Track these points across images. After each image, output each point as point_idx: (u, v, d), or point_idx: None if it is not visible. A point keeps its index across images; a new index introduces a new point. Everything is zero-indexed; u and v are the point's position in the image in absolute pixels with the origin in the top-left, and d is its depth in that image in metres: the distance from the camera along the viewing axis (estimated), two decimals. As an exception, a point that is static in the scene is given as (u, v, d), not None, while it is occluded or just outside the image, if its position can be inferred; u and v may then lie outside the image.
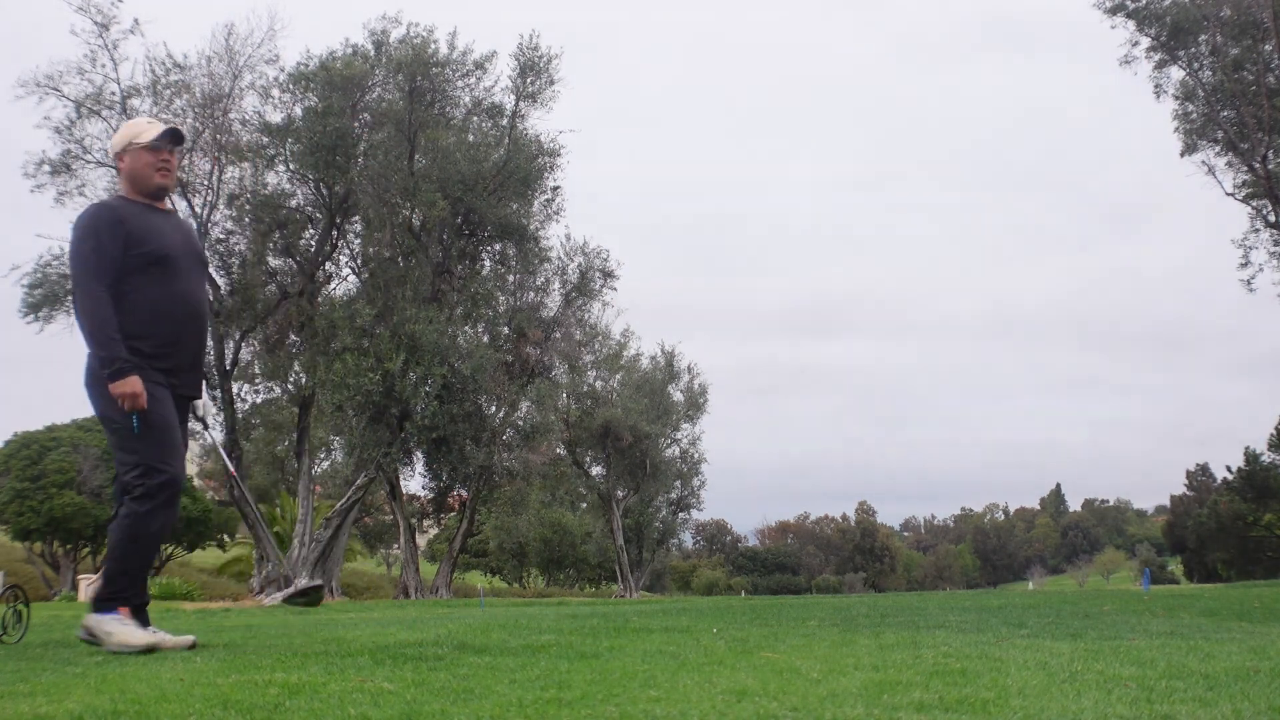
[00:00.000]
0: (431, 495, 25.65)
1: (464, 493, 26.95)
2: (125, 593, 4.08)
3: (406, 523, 26.51)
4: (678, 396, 40.05)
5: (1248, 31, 20.06)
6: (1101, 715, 2.31)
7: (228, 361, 21.30)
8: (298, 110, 20.81)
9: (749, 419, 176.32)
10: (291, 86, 20.65)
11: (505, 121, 21.92)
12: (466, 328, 22.54)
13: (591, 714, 2.36)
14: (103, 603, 4.06)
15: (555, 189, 22.85)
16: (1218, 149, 21.29)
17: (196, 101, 20.02)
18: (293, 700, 2.52)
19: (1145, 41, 21.14)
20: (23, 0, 66.69)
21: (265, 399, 25.08)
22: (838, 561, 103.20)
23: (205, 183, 20.59)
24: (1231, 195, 21.36)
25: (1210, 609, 6.91)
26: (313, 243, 22.08)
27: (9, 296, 41.99)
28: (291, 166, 21.26)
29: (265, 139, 20.90)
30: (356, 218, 22.04)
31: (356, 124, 20.89)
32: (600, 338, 33.96)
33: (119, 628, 3.99)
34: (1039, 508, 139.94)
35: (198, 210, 20.65)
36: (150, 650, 3.91)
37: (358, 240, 22.93)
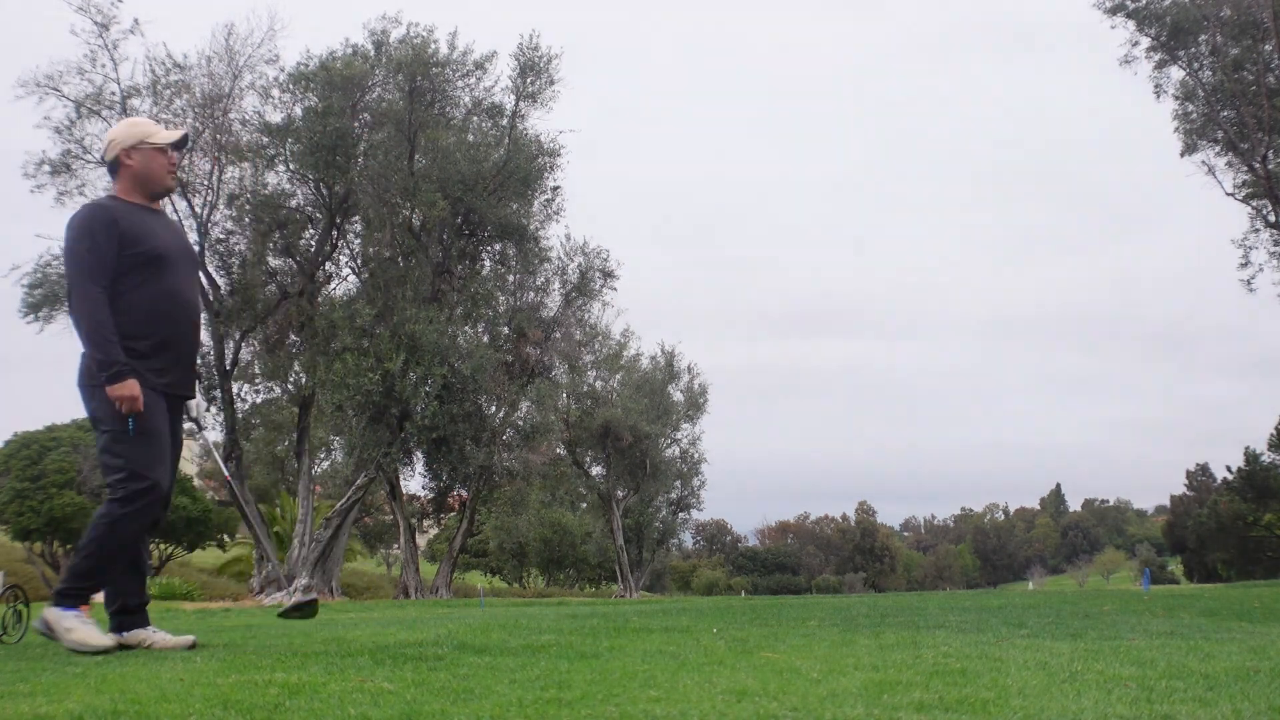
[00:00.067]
0: (431, 495, 25.63)
1: (464, 493, 26.94)
2: (89, 591, 4.05)
3: (406, 523, 26.49)
4: (678, 396, 40.04)
5: (1248, 31, 20.06)
6: (1101, 715, 2.32)
7: (228, 361, 21.29)
8: (298, 110, 20.82)
9: (749, 419, 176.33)
10: (291, 86, 20.66)
11: (505, 121, 21.92)
12: (466, 328, 22.54)
13: (591, 714, 2.36)
14: (64, 598, 4.01)
15: (555, 189, 22.88)
16: (1218, 149, 21.30)
17: (196, 101, 20.02)
18: (293, 700, 2.52)
19: (1145, 41, 21.16)
20: (23, 0, 66.67)
21: (265, 399, 25.09)
22: (838, 561, 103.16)
23: (205, 183, 20.60)
24: (1231, 195, 21.39)
25: (1210, 609, 6.91)
26: (313, 243, 22.08)
27: (9, 296, 41.95)
28: (291, 166, 21.27)
29: (265, 139, 20.90)
30: (356, 218, 22.04)
31: (356, 124, 20.89)
32: (600, 338, 33.96)
33: (78, 625, 3.95)
34: (1039, 508, 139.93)
35: (198, 210, 20.66)
36: (107, 652, 3.87)
37: (358, 240, 22.93)
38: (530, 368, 24.34)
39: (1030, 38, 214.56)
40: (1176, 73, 21.39)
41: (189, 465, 39.21)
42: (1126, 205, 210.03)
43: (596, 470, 38.67)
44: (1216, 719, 2.29)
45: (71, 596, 4.02)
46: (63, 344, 23.71)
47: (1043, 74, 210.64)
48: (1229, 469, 54.77)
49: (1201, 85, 21.08)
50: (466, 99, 21.88)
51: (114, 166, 4.31)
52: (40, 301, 19.73)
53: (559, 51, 21.75)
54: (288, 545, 24.66)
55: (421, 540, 47.62)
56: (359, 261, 23.10)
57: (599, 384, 37.67)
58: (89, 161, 19.32)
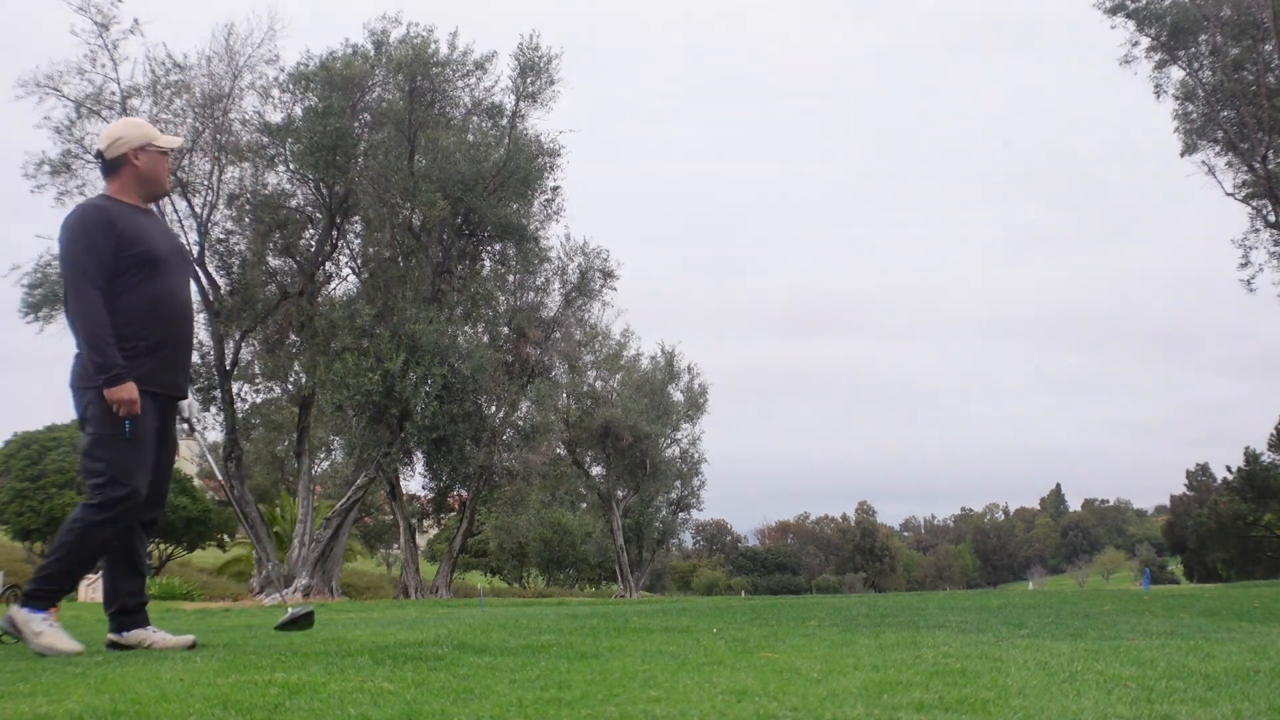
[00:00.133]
0: (431, 495, 25.62)
1: (464, 493, 26.93)
2: (58, 594, 4.02)
3: (406, 523, 26.48)
4: (678, 396, 40.05)
5: (1248, 31, 20.06)
6: (1101, 715, 2.32)
7: (228, 361, 21.29)
8: (298, 110, 20.84)
9: (749, 419, 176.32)
10: (291, 86, 20.67)
11: (505, 121, 21.94)
12: (466, 328, 22.55)
13: (591, 714, 2.36)
14: (33, 599, 3.97)
15: (555, 189, 22.91)
16: (1218, 149, 21.30)
17: (196, 101, 20.03)
18: (293, 700, 2.52)
19: (1145, 41, 21.16)
20: (22, 0, 66.69)
21: (265, 399, 25.12)
22: (838, 561, 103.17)
23: (205, 183, 20.62)
24: (1231, 195, 21.40)
25: (1210, 609, 6.91)
26: (313, 243, 22.09)
27: (9, 296, 41.99)
28: (291, 166, 21.28)
29: (265, 139, 20.91)
30: (356, 218, 22.05)
31: (356, 124, 20.90)
32: (600, 338, 33.99)
33: (47, 629, 3.93)
34: (1039, 508, 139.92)
35: (198, 210, 20.67)
36: (78, 655, 3.83)
37: (358, 240, 22.94)
38: (530, 368, 24.34)
39: (1030, 38, 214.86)
40: (1176, 73, 21.42)
41: (188, 465, 39.22)
42: (1126, 205, 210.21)
43: (596, 470, 38.68)
44: (1216, 719, 2.29)
45: (40, 598, 3.97)
46: (63, 344, 23.76)
47: (1043, 74, 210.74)
48: (1229, 469, 54.87)
49: (1201, 85, 21.08)
50: (466, 99, 21.90)
51: (115, 165, 4.23)
52: (40, 301, 19.74)
53: (559, 51, 21.82)
54: (288, 545, 24.66)
55: (421, 540, 47.62)
56: (359, 261, 23.11)
57: (599, 384, 37.68)
58: (89, 161, 19.33)
